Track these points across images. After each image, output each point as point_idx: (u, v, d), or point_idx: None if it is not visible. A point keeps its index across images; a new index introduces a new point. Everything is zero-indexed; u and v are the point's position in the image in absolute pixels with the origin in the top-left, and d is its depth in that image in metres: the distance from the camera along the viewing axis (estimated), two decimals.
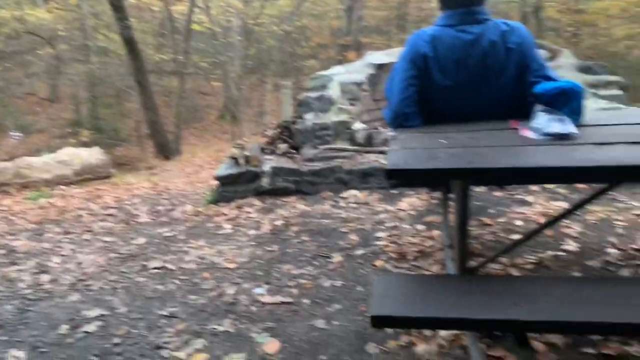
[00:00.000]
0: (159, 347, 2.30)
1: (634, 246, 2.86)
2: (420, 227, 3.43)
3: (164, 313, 2.61)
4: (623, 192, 3.72)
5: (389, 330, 2.27)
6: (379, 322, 1.48)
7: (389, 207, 3.90)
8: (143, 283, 3.00)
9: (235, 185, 4.46)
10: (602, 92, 4.54)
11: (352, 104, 4.99)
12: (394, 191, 4.21)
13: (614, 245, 2.88)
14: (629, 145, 1.77)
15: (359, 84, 5.10)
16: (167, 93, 16.19)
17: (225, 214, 4.13)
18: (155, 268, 3.20)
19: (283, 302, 2.63)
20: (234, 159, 4.65)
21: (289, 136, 4.94)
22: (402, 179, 1.94)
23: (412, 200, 3.98)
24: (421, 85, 2.38)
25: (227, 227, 3.82)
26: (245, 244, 3.45)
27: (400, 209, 3.83)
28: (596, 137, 1.90)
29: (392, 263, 2.95)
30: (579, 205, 2.10)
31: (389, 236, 3.33)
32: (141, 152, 12.80)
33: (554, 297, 1.56)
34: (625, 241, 2.93)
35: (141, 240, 3.77)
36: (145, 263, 3.29)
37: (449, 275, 2.51)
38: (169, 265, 3.21)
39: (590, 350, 2.01)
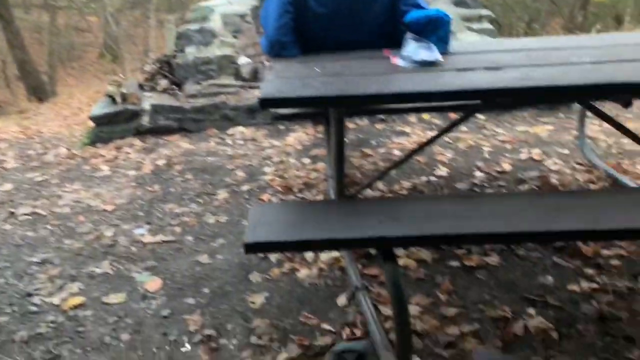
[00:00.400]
0: (29, 295, 2.18)
1: (498, 169, 3.11)
2: (306, 160, 3.47)
3: (35, 260, 2.46)
4: (490, 120, 4.00)
5: (273, 260, 2.32)
6: (252, 248, 1.49)
7: (276, 143, 3.90)
8: (10, 231, 2.78)
9: (113, 125, 4.19)
10: (475, 25, 4.75)
11: (235, 37, 4.81)
12: (281, 126, 4.19)
13: (480, 169, 3.11)
14: (486, 70, 1.88)
15: (242, 16, 4.91)
16: (38, 29, 14.62)
17: (102, 156, 3.90)
18: (24, 214, 2.97)
19: (165, 241, 2.57)
20: (111, 97, 4.35)
21: (170, 72, 4.68)
22: (274, 107, 1.93)
23: (298, 135, 4.00)
24: (297, 13, 2.35)
25: (105, 169, 3.61)
26: (124, 185, 3.29)
27: (287, 144, 3.84)
28: (459, 64, 2.00)
29: (278, 196, 2.98)
30: (444, 131, 2.22)
31: (276, 171, 3.34)
32: (10, 95, 11.59)
33: (419, 214, 1.66)
34: (490, 165, 3.18)
35: (8, 186, 3.47)
36: (12, 210, 3.04)
37: (323, 202, 2.58)
38: (40, 211, 2.99)
39: (454, 263, 2.19)
